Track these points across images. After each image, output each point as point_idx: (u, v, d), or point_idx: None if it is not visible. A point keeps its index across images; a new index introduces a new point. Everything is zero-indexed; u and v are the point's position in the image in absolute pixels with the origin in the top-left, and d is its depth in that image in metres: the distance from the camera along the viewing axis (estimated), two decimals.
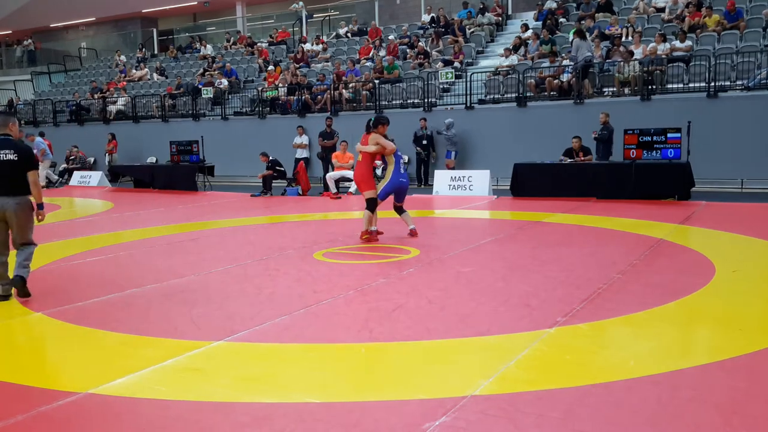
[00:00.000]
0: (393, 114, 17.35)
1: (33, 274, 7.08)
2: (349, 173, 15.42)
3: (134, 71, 26.33)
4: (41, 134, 20.44)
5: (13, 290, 6.13)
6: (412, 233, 8.88)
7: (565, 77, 15.89)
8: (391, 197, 8.91)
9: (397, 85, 18.29)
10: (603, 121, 13.98)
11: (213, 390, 3.85)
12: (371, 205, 8.70)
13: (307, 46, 23.01)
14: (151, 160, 20.60)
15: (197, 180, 17.08)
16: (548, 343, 4.50)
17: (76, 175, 20.63)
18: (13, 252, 6.11)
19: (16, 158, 5.98)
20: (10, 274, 6.13)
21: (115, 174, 20.18)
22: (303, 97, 19.29)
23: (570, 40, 16.54)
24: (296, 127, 18.24)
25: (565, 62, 16.21)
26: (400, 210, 8.99)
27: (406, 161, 15.37)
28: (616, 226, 9.36)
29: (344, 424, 3.36)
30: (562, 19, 19.08)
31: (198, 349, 4.55)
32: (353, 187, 15.15)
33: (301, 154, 18.06)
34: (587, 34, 16.44)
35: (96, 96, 24.72)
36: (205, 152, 17.43)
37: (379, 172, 13.49)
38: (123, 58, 28.18)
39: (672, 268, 6.68)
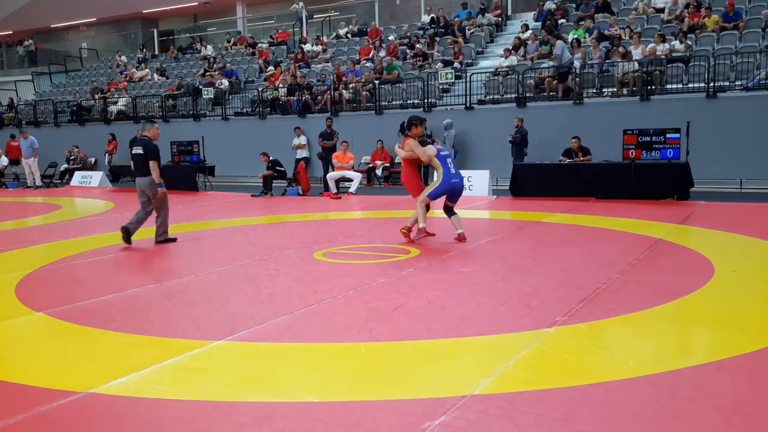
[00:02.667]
0: (393, 114, 17.43)
1: (33, 273, 7.11)
2: (350, 173, 15.46)
3: (135, 71, 26.33)
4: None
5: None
6: (460, 238, 8.40)
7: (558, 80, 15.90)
8: (439, 197, 8.49)
9: (397, 85, 18.29)
10: (517, 125, 14.80)
11: (213, 390, 3.86)
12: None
13: (308, 47, 23.01)
14: None
15: (198, 180, 17.10)
16: (548, 342, 4.51)
17: (77, 175, 20.56)
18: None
19: (142, 152, 8.84)
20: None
21: (116, 174, 20.18)
22: (303, 98, 19.30)
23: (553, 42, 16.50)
24: (294, 128, 18.24)
25: (549, 64, 16.23)
26: (450, 211, 8.61)
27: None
28: (615, 226, 9.37)
29: (344, 424, 3.37)
30: (561, 20, 19.09)
31: (198, 348, 4.56)
32: (353, 187, 15.18)
33: (301, 154, 18.07)
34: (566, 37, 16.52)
35: (97, 96, 24.71)
36: (205, 152, 17.45)
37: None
38: (124, 58, 28.19)
39: (671, 268, 6.68)
